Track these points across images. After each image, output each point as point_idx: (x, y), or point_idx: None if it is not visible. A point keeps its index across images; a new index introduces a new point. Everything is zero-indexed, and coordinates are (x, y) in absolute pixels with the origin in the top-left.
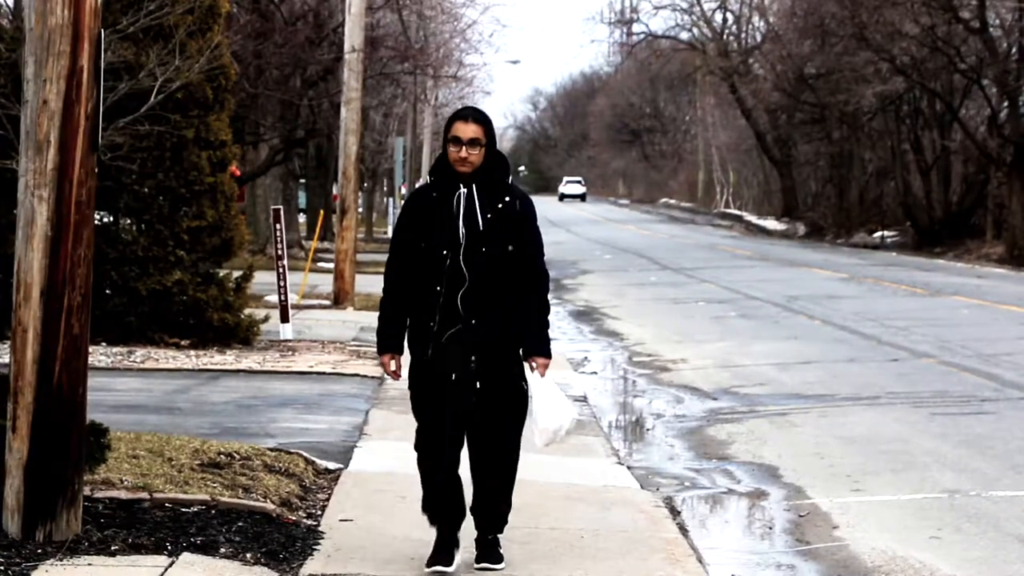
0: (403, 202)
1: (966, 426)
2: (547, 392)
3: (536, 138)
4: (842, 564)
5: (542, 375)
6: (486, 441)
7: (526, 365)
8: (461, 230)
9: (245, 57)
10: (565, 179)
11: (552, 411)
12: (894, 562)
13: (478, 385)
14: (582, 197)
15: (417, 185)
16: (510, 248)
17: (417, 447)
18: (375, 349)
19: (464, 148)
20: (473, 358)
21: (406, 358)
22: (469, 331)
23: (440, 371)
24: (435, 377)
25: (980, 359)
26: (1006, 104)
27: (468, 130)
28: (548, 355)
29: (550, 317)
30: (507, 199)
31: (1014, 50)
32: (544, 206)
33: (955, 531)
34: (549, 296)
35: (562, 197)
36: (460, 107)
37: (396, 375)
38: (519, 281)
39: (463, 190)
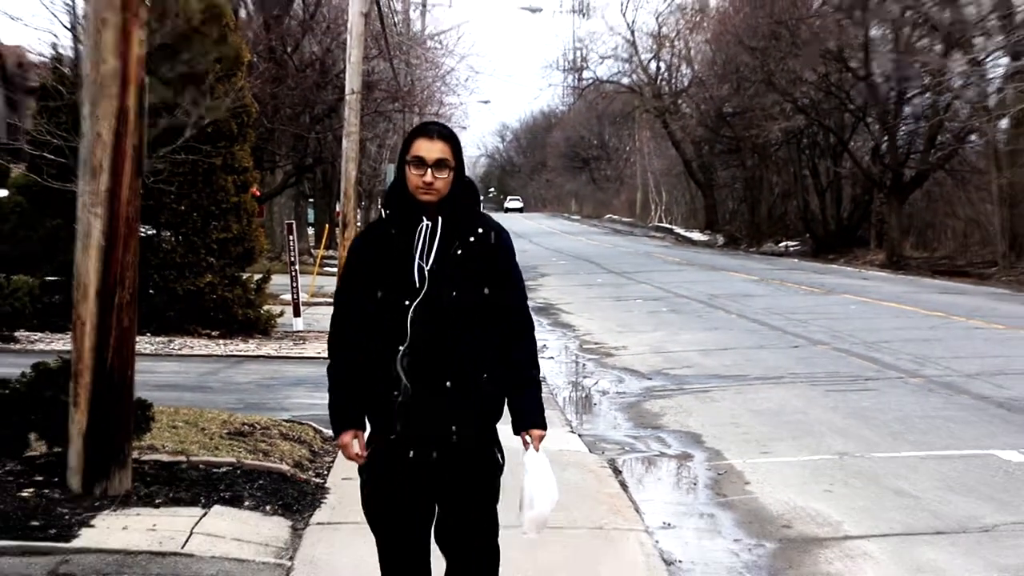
0: (351, 242)
1: (853, 401)
2: (543, 470)
3: (503, 165)
4: (753, 513)
5: (537, 449)
6: (462, 531)
7: (519, 438)
8: (425, 272)
9: (263, 98)
10: (508, 197)
11: (547, 493)
12: (794, 511)
13: (452, 464)
14: (520, 210)
15: (369, 221)
16: (486, 291)
17: (381, 560)
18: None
19: (429, 171)
20: (454, 428)
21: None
22: (444, 397)
23: (406, 454)
24: (400, 463)
25: (865, 346)
26: (886, 138)
27: (434, 149)
28: (545, 426)
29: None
30: (479, 231)
31: (893, 94)
32: (506, 220)
33: (844, 485)
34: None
35: (506, 210)
36: (422, 121)
37: (360, 458)
38: (499, 332)
39: (426, 223)
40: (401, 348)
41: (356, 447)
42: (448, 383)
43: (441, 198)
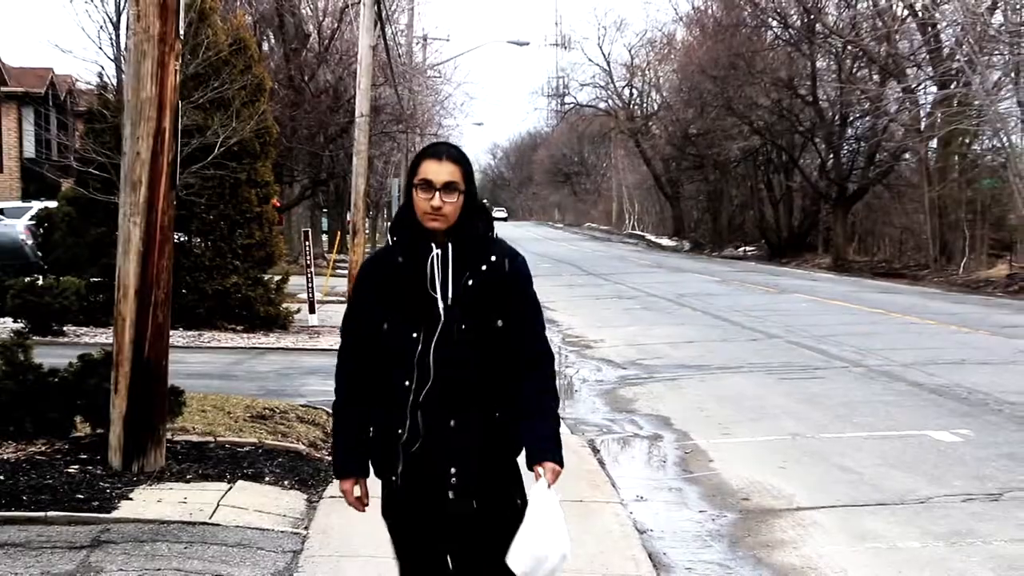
0: (359, 271)
1: (804, 387)
2: (553, 513)
3: (495, 179)
4: (716, 487)
5: (550, 484)
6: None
7: (530, 474)
8: (438, 304)
9: (283, 120)
10: (494, 208)
11: (555, 540)
12: (752, 485)
13: (468, 508)
14: (505, 219)
15: (376, 248)
16: (499, 323)
17: None
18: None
19: (437, 195)
20: (453, 471)
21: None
22: (450, 437)
23: (417, 497)
24: (413, 506)
25: (814, 339)
26: (831, 156)
27: (443, 171)
28: (560, 462)
29: None
30: (492, 259)
31: (837, 117)
32: (496, 227)
33: (796, 463)
34: None
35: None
36: (430, 142)
37: (362, 505)
38: (513, 366)
39: (436, 251)
40: (408, 384)
41: (358, 492)
42: (452, 422)
43: (450, 225)
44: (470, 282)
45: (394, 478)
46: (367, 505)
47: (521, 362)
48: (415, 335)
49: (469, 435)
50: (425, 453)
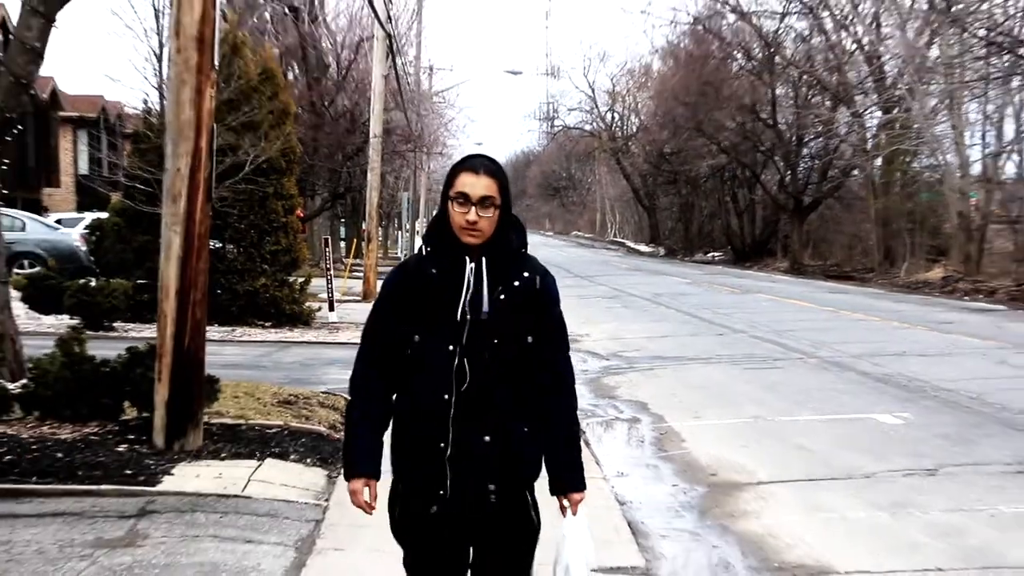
0: (387, 279)
1: (765, 376)
2: (582, 536)
3: None
4: (687, 464)
5: (575, 513)
6: None
7: (550, 500)
8: (468, 317)
9: (306, 141)
10: None
11: (584, 560)
12: (719, 461)
13: (489, 521)
14: None
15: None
16: (529, 340)
17: None
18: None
19: (474, 210)
20: (492, 487)
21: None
22: (483, 451)
23: (444, 506)
24: (429, 519)
25: (774, 333)
26: (789, 172)
27: (479, 185)
28: (584, 487)
29: None
30: (525, 275)
31: (794, 138)
32: None
33: (757, 443)
34: None
35: None
36: (467, 154)
37: (371, 508)
38: (540, 384)
39: (470, 265)
40: (447, 397)
41: (367, 496)
42: (487, 437)
43: (486, 240)
44: (502, 297)
45: (443, 492)
46: (375, 509)
47: (547, 381)
48: (451, 348)
49: (501, 450)
50: (462, 467)
